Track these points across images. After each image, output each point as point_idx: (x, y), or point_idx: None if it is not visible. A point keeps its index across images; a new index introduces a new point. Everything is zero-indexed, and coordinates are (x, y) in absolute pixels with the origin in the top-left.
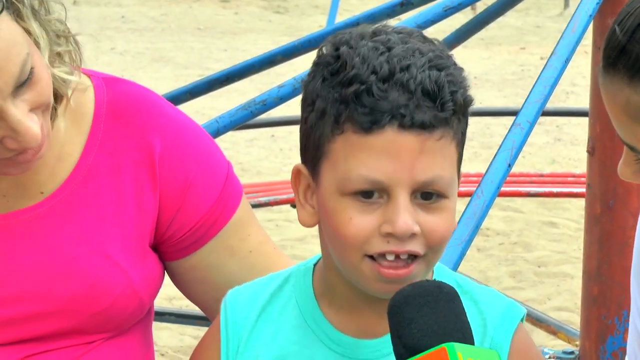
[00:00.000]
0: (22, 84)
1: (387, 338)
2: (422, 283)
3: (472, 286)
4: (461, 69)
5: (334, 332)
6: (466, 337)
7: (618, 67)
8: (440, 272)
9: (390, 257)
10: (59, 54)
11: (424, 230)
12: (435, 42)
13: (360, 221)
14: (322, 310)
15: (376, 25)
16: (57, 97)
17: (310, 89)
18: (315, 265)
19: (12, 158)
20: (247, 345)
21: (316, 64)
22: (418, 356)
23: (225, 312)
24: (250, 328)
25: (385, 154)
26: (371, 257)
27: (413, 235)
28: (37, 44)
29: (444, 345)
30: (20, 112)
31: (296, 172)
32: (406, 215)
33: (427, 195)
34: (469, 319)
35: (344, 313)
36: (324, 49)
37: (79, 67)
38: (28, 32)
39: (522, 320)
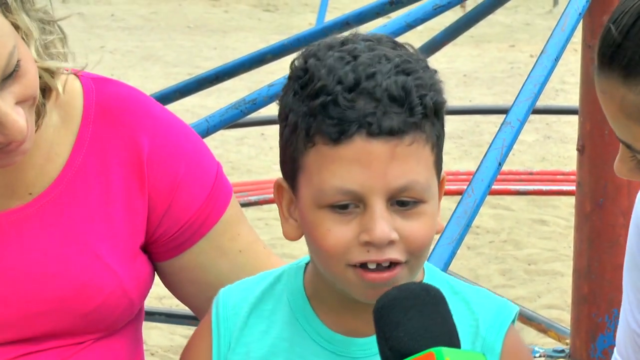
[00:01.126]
0: (9, 76)
1: None
2: (408, 285)
3: (464, 287)
4: (432, 72)
5: (325, 330)
6: (453, 341)
7: (613, 66)
8: (432, 274)
9: (372, 266)
10: (50, 43)
11: (402, 237)
12: (407, 46)
13: (338, 232)
14: (313, 309)
15: (345, 34)
16: (46, 91)
17: (283, 103)
18: (306, 264)
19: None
20: (239, 341)
21: (289, 78)
22: None
23: (217, 309)
24: (242, 325)
25: (356, 164)
26: (354, 265)
27: (392, 243)
28: (25, 36)
29: (431, 350)
30: (6, 105)
31: (278, 187)
32: (382, 223)
33: (403, 202)
34: (460, 320)
35: (334, 314)
36: (295, 62)
37: (66, 55)
38: (16, 26)
39: (514, 318)
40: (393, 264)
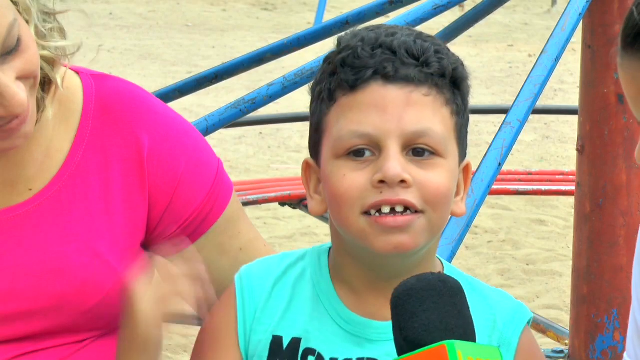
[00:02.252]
0: (10, 52)
1: None
2: (426, 276)
3: (482, 285)
4: (456, 56)
5: (345, 310)
6: (468, 334)
7: (636, 47)
8: (450, 270)
9: (386, 210)
10: (50, 30)
11: (417, 183)
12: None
13: (353, 177)
14: (335, 289)
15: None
16: (45, 85)
17: (314, 84)
18: (330, 248)
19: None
20: (264, 312)
21: (322, 62)
22: (417, 352)
23: (241, 281)
24: (267, 296)
25: (372, 108)
26: (368, 214)
27: (405, 185)
28: (25, 14)
29: (443, 342)
30: (7, 78)
31: (305, 166)
32: (395, 162)
33: (419, 151)
34: (478, 314)
35: (355, 295)
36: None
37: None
38: (15, 3)
39: (529, 323)
40: (407, 211)
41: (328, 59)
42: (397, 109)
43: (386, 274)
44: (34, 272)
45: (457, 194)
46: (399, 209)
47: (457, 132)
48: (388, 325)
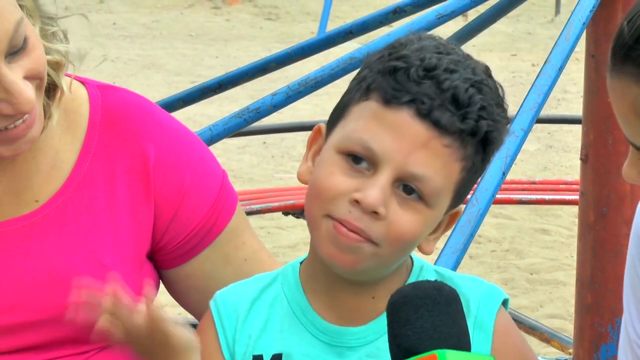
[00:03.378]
0: (17, 51)
1: (371, 325)
2: (422, 284)
3: (452, 273)
4: (504, 113)
5: (320, 321)
6: (462, 343)
7: (626, 66)
8: (419, 263)
9: (345, 230)
10: (53, 34)
11: (388, 218)
12: (498, 85)
13: (339, 180)
14: (308, 301)
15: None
16: (50, 91)
17: (365, 62)
18: (301, 262)
19: (4, 135)
20: (241, 332)
21: (384, 47)
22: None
23: (217, 306)
24: (243, 317)
25: (391, 131)
26: (331, 217)
27: (376, 217)
28: (30, 16)
29: (435, 352)
30: (15, 75)
31: (316, 130)
32: (378, 192)
33: (408, 189)
34: None
35: (327, 301)
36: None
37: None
38: (21, 5)
39: (506, 304)
40: (362, 236)
41: (389, 52)
42: (411, 145)
43: (348, 287)
44: (40, 283)
45: (433, 232)
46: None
47: (459, 186)
48: (364, 329)
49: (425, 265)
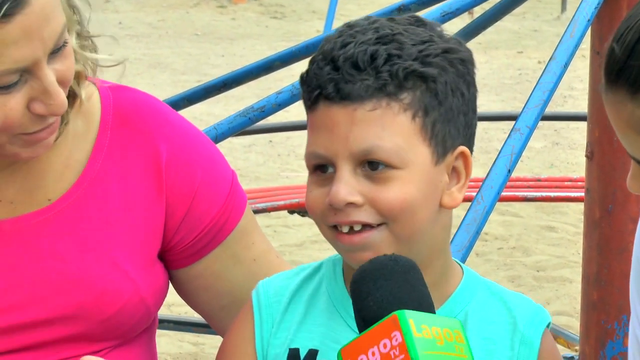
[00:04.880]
0: (57, 50)
1: None
2: (378, 258)
3: (501, 289)
4: (433, 45)
5: None
6: (423, 306)
7: (620, 83)
8: (470, 276)
9: (345, 229)
10: (83, 47)
11: (369, 200)
12: (431, 25)
13: (315, 194)
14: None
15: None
16: (70, 99)
17: None
18: None
19: (29, 137)
20: (280, 326)
21: None
22: (372, 327)
23: (258, 297)
24: (283, 310)
25: (322, 129)
26: (331, 227)
27: (355, 206)
28: (68, 25)
29: (394, 313)
30: (53, 76)
31: None
32: (340, 186)
33: (372, 164)
34: (498, 318)
35: None
36: None
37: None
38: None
39: (548, 326)
40: (366, 227)
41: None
42: (342, 130)
43: None
44: (53, 281)
45: (456, 182)
46: (356, 227)
47: (426, 132)
48: None
49: (476, 277)
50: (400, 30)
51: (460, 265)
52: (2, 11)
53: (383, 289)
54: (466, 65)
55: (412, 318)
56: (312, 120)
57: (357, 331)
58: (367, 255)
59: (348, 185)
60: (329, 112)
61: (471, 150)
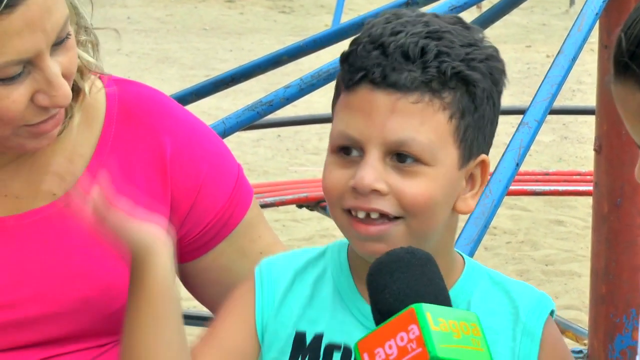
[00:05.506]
0: (60, 42)
1: None
2: (395, 250)
3: (504, 278)
4: (478, 50)
5: (365, 306)
6: (440, 300)
7: (628, 74)
8: (472, 266)
9: (361, 215)
10: (85, 42)
11: (394, 191)
12: (475, 29)
13: (336, 174)
14: (356, 285)
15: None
16: (73, 92)
17: None
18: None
19: (33, 128)
20: (283, 303)
21: None
22: (389, 320)
23: (261, 274)
24: (286, 289)
25: (359, 112)
26: (349, 211)
27: (379, 194)
28: (71, 18)
29: (412, 306)
30: (57, 68)
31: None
32: (369, 171)
33: (402, 157)
34: (500, 308)
35: None
36: None
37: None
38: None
39: (552, 314)
40: (385, 218)
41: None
42: (381, 116)
43: None
44: (58, 276)
45: (470, 188)
46: (373, 215)
47: (458, 135)
48: None
49: (478, 267)
50: (449, 28)
51: (462, 256)
52: (5, 2)
53: (400, 281)
54: (501, 75)
55: (429, 311)
56: (348, 100)
57: (362, 322)
58: (379, 247)
59: (376, 172)
60: (371, 96)
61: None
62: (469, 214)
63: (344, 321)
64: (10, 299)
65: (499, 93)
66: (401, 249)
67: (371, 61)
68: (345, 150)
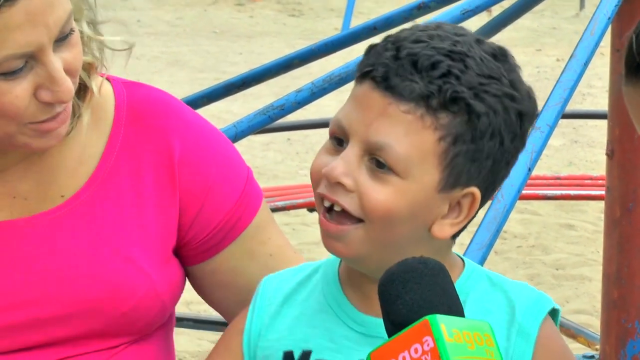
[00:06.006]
0: (63, 38)
1: None
2: (406, 260)
3: (503, 279)
4: (498, 86)
5: (356, 313)
6: (453, 310)
7: (639, 76)
8: (470, 267)
9: (326, 204)
10: (89, 39)
11: (358, 191)
12: (513, 68)
13: (322, 159)
14: (345, 294)
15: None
16: (80, 91)
17: None
18: None
19: (38, 126)
20: (270, 328)
21: None
22: (402, 331)
23: (256, 296)
24: (274, 313)
25: (357, 105)
26: (320, 202)
27: (344, 189)
28: (75, 14)
29: (426, 317)
30: (59, 63)
31: None
32: (340, 163)
33: (380, 163)
34: (497, 308)
35: (365, 298)
36: None
37: (102, 63)
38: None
39: (556, 315)
40: (345, 216)
41: None
42: (371, 115)
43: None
44: (67, 277)
45: (447, 216)
46: (337, 208)
47: (445, 158)
48: None
49: (477, 269)
50: (478, 55)
51: (462, 259)
52: None
53: (413, 292)
54: (521, 118)
55: (443, 322)
56: (354, 91)
57: (354, 328)
58: (338, 246)
59: (348, 166)
60: (369, 93)
61: (487, 198)
62: (441, 239)
63: (335, 332)
64: (20, 300)
65: (514, 134)
66: (413, 259)
67: (381, 60)
68: (338, 141)
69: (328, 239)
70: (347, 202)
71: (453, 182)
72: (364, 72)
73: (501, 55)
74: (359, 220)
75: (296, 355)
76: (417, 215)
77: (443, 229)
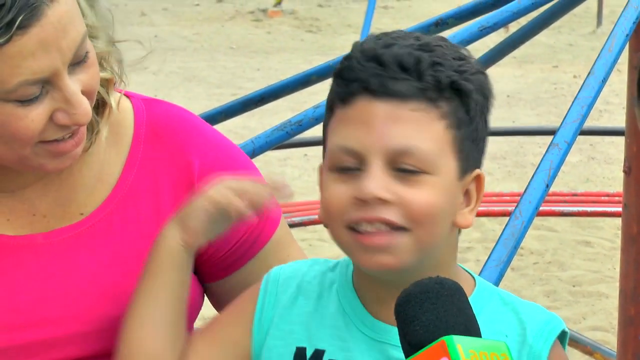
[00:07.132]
0: (79, 62)
1: None
2: (423, 281)
3: (515, 299)
4: (468, 64)
5: (370, 319)
6: (470, 330)
7: None
8: (482, 285)
9: (369, 228)
10: (107, 55)
11: (399, 201)
12: (461, 47)
13: (338, 190)
14: (360, 299)
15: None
16: (99, 107)
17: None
18: None
19: (53, 147)
20: (283, 318)
21: None
22: (419, 352)
23: (266, 284)
24: (289, 303)
25: (358, 123)
26: (352, 228)
27: (385, 203)
28: (91, 32)
29: (443, 338)
30: (76, 86)
31: (319, 171)
32: (373, 180)
33: (404, 169)
34: (508, 329)
35: (379, 303)
36: None
37: (121, 77)
38: (84, 16)
39: (564, 337)
40: (392, 228)
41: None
42: (381, 125)
43: (398, 284)
44: (85, 295)
45: (467, 204)
46: (380, 226)
47: (455, 145)
48: None
49: (488, 287)
50: (439, 43)
51: (473, 276)
52: (17, 23)
53: (430, 312)
54: (490, 92)
55: (460, 343)
56: (345, 114)
57: (368, 335)
58: (386, 259)
59: (380, 180)
60: (369, 106)
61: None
62: (466, 228)
63: (348, 335)
64: (37, 318)
65: (488, 110)
66: (429, 279)
67: (368, 72)
68: (346, 169)
69: (375, 255)
70: (391, 215)
71: (465, 167)
72: (353, 91)
73: (446, 39)
74: (402, 229)
75: (309, 352)
76: (450, 209)
77: (466, 217)
